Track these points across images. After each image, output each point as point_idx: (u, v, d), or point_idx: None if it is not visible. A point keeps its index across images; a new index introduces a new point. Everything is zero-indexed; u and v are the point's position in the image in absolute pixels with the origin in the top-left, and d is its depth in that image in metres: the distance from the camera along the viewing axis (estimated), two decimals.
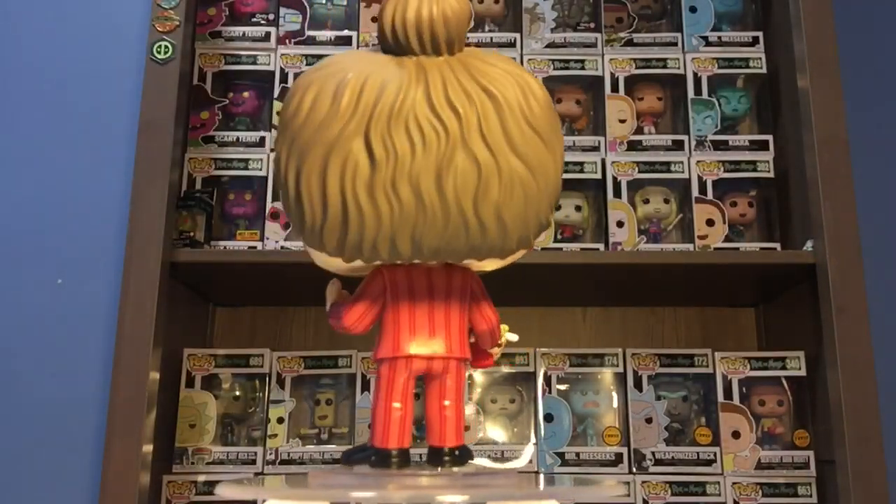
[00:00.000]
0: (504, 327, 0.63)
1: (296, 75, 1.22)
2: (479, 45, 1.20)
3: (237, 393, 1.14)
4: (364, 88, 0.53)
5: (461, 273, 0.60)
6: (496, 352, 0.63)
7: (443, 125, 0.52)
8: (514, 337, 0.65)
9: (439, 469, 0.58)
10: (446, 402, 0.59)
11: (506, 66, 0.57)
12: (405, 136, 0.52)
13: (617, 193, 1.17)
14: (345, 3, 1.28)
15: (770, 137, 1.20)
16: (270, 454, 1.09)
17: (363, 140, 0.52)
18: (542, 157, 0.55)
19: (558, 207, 1.20)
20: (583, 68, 1.22)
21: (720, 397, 1.11)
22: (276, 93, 1.21)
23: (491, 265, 0.61)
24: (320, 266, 0.61)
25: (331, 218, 0.53)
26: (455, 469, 0.58)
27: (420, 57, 0.56)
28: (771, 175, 1.19)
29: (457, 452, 0.58)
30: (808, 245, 1.09)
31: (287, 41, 1.23)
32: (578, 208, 1.21)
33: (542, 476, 1.08)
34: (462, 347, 0.59)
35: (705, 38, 1.23)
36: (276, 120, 1.20)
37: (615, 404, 1.14)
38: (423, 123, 0.52)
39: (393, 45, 0.57)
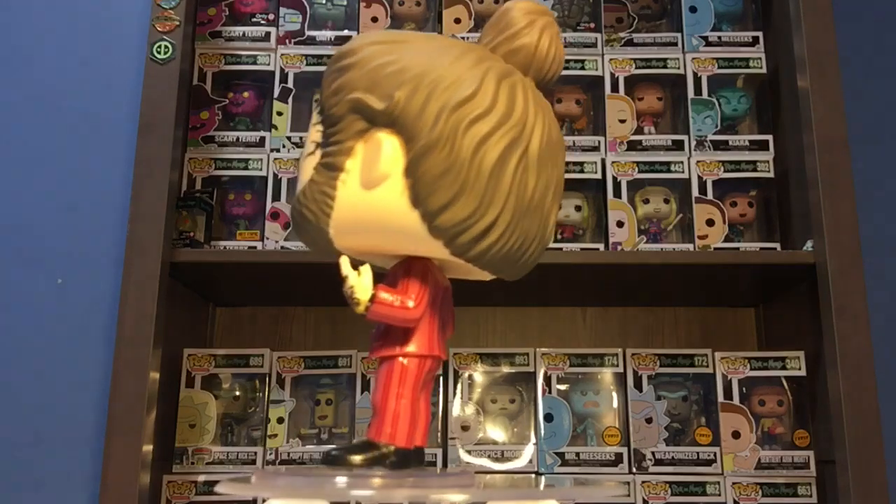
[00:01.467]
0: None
1: (296, 75, 1.22)
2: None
3: (237, 393, 1.14)
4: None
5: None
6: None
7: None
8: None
9: (438, 469, 0.58)
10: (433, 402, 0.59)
11: None
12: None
13: (617, 193, 1.17)
14: (345, 3, 1.28)
15: (770, 137, 1.20)
16: (270, 454, 1.09)
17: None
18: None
19: (559, 207, 1.20)
20: (583, 68, 1.22)
21: (720, 397, 1.11)
22: (277, 93, 1.21)
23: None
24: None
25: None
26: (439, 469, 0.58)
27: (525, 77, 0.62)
28: (771, 175, 1.19)
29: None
30: (808, 245, 1.09)
31: (287, 41, 1.23)
32: (578, 208, 1.21)
33: (542, 479, 1.08)
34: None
35: (705, 38, 1.23)
36: (276, 120, 1.20)
37: (615, 404, 1.14)
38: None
39: (530, 70, 0.61)
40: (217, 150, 1.19)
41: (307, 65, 1.22)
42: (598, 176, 1.18)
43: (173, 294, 1.09)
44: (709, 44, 1.23)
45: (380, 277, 0.58)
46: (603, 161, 1.18)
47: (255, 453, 1.09)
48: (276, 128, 1.20)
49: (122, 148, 1.32)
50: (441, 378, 1.12)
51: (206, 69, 1.22)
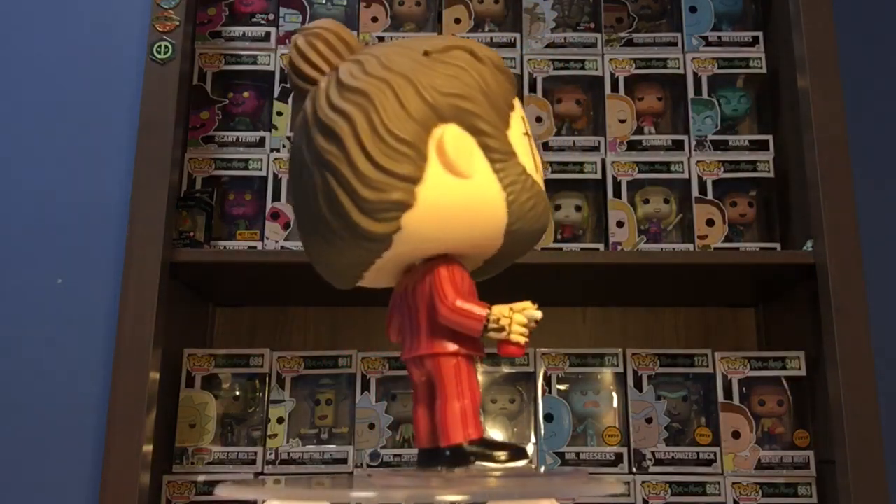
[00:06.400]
0: (512, 307, 0.57)
1: None
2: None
3: (237, 393, 1.14)
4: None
5: (425, 266, 0.60)
6: (496, 336, 0.57)
7: (293, 155, 0.63)
8: (536, 314, 0.58)
9: (442, 469, 0.58)
10: (436, 403, 0.58)
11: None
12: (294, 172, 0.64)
13: (617, 193, 1.17)
14: (345, 3, 1.28)
15: (770, 137, 1.20)
16: (270, 454, 1.09)
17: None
18: (336, 149, 0.56)
19: (558, 207, 1.20)
20: (583, 68, 1.22)
21: (720, 397, 1.11)
22: (276, 93, 1.21)
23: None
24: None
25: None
26: (444, 469, 0.57)
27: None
28: (771, 175, 1.19)
29: (446, 454, 0.57)
30: (808, 245, 1.09)
31: (287, 41, 1.23)
32: (578, 208, 1.21)
33: (542, 468, 1.08)
34: (432, 342, 0.58)
35: (705, 38, 1.23)
36: (276, 120, 1.20)
37: (615, 404, 1.14)
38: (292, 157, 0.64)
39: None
40: (217, 150, 1.19)
41: None
42: (598, 176, 1.18)
43: (173, 294, 1.09)
44: (709, 44, 1.23)
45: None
46: (603, 161, 1.18)
47: (255, 453, 1.09)
48: (276, 128, 1.20)
49: (122, 148, 1.32)
50: None
51: (206, 69, 1.22)
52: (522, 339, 0.57)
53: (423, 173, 0.55)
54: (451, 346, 0.58)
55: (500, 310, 0.57)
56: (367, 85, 0.56)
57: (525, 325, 0.57)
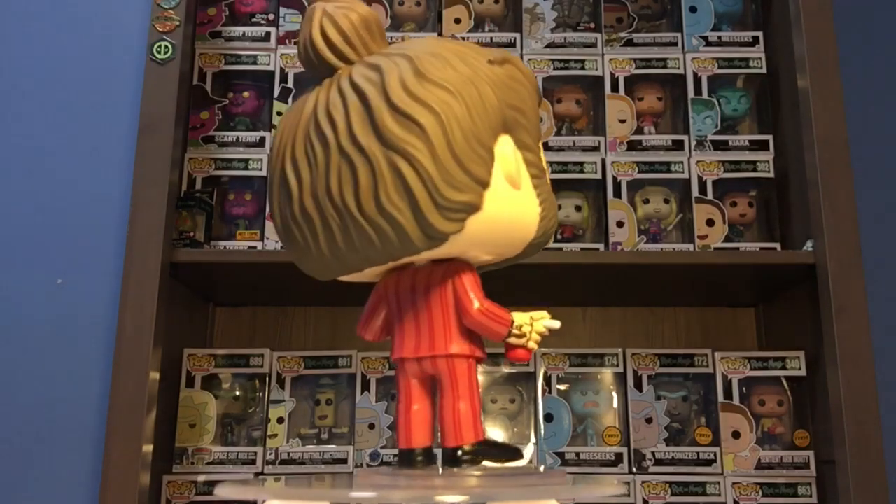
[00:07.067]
0: (532, 315, 0.60)
1: (296, 75, 1.22)
2: (479, 44, 1.20)
3: (237, 393, 1.14)
4: (288, 117, 0.58)
5: (443, 268, 0.60)
6: (516, 342, 0.60)
7: (323, 135, 0.55)
8: (553, 324, 0.62)
9: (441, 469, 0.58)
10: (444, 403, 0.59)
11: (394, 49, 0.58)
12: (304, 156, 0.56)
13: (617, 193, 1.17)
14: None
15: (770, 137, 1.20)
16: (270, 454, 1.09)
17: (286, 166, 0.57)
18: (414, 140, 0.54)
19: (559, 207, 1.20)
20: (583, 68, 1.22)
21: (720, 397, 1.11)
22: (276, 93, 1.21)
23: (480, 256, 0.60)
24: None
25: (284, 243, 0.61)
26: (457, 469, 0.58)
27: (336, 73, 0.59)
28: (771, 175, 1.19)
29: (459, 452, 0.58)
30: (808, 245, 1.09)
31: (287, 41, 1.23)
32: (578, 208, 1.21)
33: (542, 467, 1.07)
34: (449, 343, 0.59)
35: (705, 38, 1.23)
36: (276, 120, 1.20)
37: (615, 404, 1.14)
38: (312, 138, 0.56)
39: (312, 72, 0.60)
40: (217, 150, 1.19)
41: None
42: (598, 176, 1.18)
43: (173, 294, 1.09)
44: (709, 44, 1.23)
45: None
46: (603, 161, 1.18)
47: (255, 453, 1.09)
48: (276, 128, 1.20)
49: (122, 148, 1.32)
50: None
51: (206, 69, 1.22)
52: (536, 347, 0.60)
53: (492, 179, 0.56)
54: (468, 349, 0.59)
55: (521, 317, 0.60)
56: (455, 82, 0.55)
57: (540, 334, 0.60)
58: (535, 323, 0.60)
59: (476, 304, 0.59)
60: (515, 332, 0.59)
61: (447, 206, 0.54)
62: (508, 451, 0.60)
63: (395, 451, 1.09)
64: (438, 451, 0.59)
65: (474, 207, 0.55)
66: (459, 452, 0.58)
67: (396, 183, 0.53)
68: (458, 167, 0.54)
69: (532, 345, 0.60)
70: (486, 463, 0.58)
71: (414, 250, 0.56)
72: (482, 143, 0.55)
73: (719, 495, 1.07)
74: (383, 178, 0.53)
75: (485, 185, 0.55)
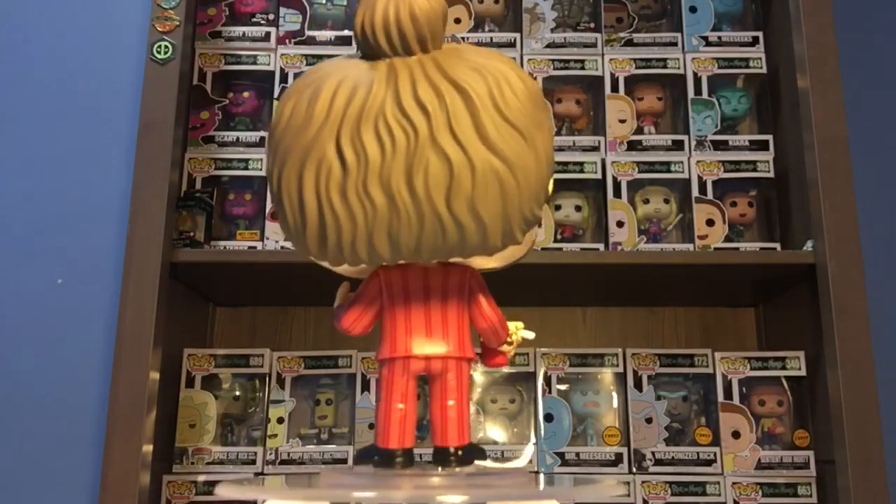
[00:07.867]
0: (517, 324, 0.64)
1: (296, 75, 1.22)
2: (479, 44, 1.20)
3: (237, 393, 1.14)
4: (337, 94, 0.54)
5: (459, 271, 0.60)
6: (507, 349, 0.64)
7: (411, 124, 0.53)
8: (529, 334, 0.65)
9: (440, 469, 0.58)
10: (449, 402, 0.59)
11: (485, 60, 0.56)
12: (374, 138, 0.53)
13: (617, 193, 1.17)
14: (345, 3, 1.28)
15: (770, 137, 1.20)
16: (270, 454, 1.09)
17: (335, 144, 0.53)
18: (519, 151, 0.54)
19: (558, 207, 1.20)
20: (583, 68, 1.22)
21: (720, 397, 1.11)
22: (276, 93, 1.21)
23: (488, 263, 0.61)
24: (333, 270, 0.62)
25: (309, 222, 0.54)
26: (458, 469, 0.58)
27: (393, 59, 0.56)
28: (771, 175, 1.19)
29: (460, 452, 0.59)
30: (808, 245, 1.09)
31: (287, 41, 1.23)
32: (578, 208, 1.21)
33: (541, 476, 1.08)
34: (461, 346, 0.59)
35: (705, 38, 1.23)
36: None
37: (615, 404, 1.14)
38: (392, 124, 0.53)
39: (366, 48, 0.57)
40: (217, 150, 1.19)
41: (307, 65, 1.22)
42: (598, 176, 1.18)
43: (173, 294, 1.09)
44: (709, 44, 1.23)
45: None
46: (603, 161, 1.18)
47: (255, 453, 1.09)
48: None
49: (122, 148, 1.33)
50: None
51: (206, 69, 1.22)
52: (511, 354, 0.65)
53: None
54: (473, 352, 0.61)
55: (510, 326, 0.64)
56: (544, 102, 0.59)
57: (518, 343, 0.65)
58: (518, 332, 0.65)
59: (497, 311, 0.61)
60: (509, 339, 0.63)
61: (530, 218, 0.56)
62: (483, 453, 0.62)
63: None
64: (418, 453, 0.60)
65: (539, 224, 0.58)
66: (460, 452, 0.58)
67: (494, 187, 0.53)
68: (541, 184, 0.56)
69: (512, 352, 0.64)
70: (480, 462, 0.60)
71: (480, 252, 0.57)
72: (552, 161, 0.58)
73: (719, 495, 1.07)
74: (481, 181, 0.53)
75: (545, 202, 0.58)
